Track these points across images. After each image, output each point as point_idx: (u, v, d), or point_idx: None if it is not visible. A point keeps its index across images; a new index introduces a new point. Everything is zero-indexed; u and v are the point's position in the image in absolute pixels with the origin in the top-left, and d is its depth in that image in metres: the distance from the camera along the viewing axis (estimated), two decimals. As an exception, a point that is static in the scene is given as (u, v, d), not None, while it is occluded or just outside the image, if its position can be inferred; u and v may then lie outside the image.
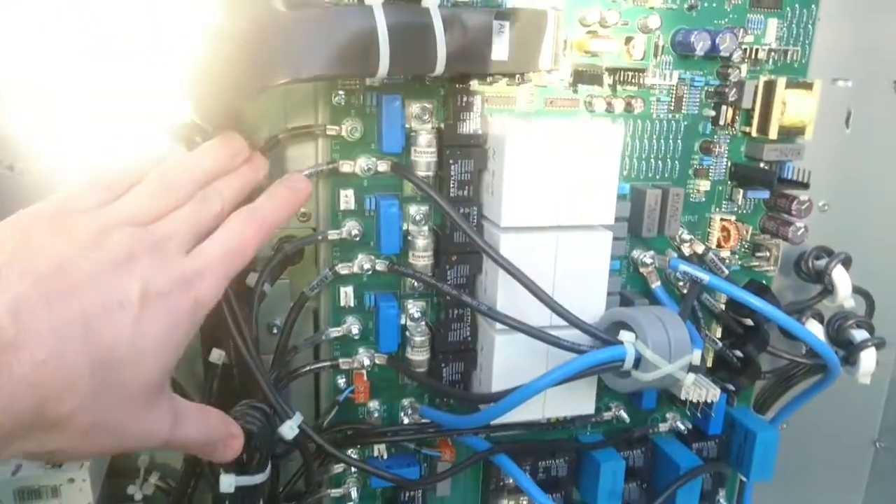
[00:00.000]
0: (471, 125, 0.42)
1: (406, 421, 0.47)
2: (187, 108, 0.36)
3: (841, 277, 0.50)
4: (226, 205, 0.34)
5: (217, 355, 0.42)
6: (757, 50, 0.46)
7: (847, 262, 0.51)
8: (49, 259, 0.27)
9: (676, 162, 0.48)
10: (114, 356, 0.28)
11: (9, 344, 0.25)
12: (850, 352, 0.50)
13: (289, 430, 0.40)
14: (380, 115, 0.41)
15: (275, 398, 0.39)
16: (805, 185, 0.47)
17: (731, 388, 0.51)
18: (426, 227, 0.43)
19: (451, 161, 0.42)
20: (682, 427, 0.53)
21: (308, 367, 0.45)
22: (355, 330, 0.44)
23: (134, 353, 0.28)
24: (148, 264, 0.30)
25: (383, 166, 0.42)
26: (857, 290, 0.52)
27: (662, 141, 0.47)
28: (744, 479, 0.55)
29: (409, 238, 0.43)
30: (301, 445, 0.42)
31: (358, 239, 0.43)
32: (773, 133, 0.46)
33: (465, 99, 0.41)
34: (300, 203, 0.38)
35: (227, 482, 0.37)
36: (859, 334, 0.51)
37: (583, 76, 0.43)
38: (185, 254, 0.32)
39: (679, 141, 0.47)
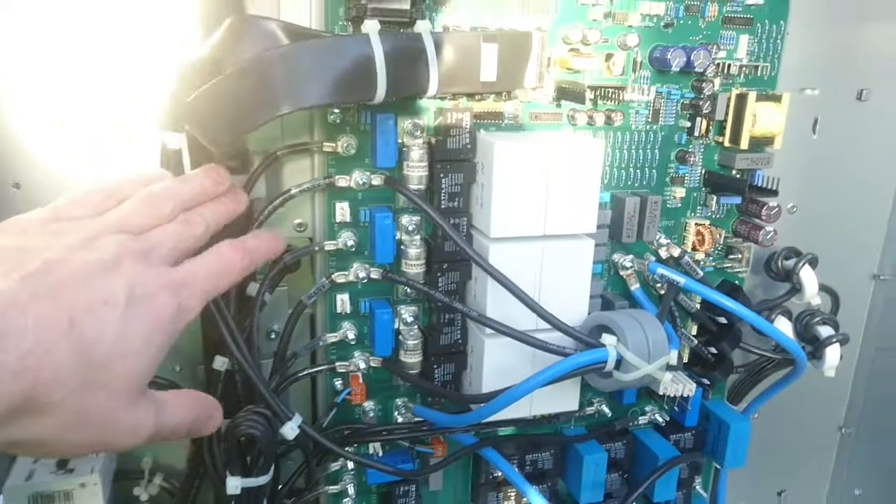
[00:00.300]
0: (460, 140, 0.44)
1: (400, 420, 0.49)
2: (175, 137, 0.38)
3: (808, 277, 0.53)
4: (208, 228, 0.36)
5: (220, 362, 0.44)
6: (729, 65, 0.49)
7: (814, 262, 0.54)
8: (38, 258, 0.29)
9: (654, 171, 0.50)
10: (98, 352, 0.29)
11: None
12: (816, 347, 0.54)
13: (290, 430, 0.42)
14: (374, 133, 0.43)
15: (275, 402, 0.41)
16: (774, 192, 0.50)
17: (706, 382, 0.54)
18: (418, 237, 0.45)
19: (441, 175, 0.44)
20: (660, 420, 0.56)
21: (306, 371, 0.47)
22: (351, 335, 0.47)
23: (118, 349, 0.29)
24: (134, 268, 0.31)
25: (377, 180, 0.44)
26: (824, 289, 0.55)
27: (641, 151, 0.50)
28: (718, 466, 0.59)
29: (402, 247, 0.45)
30: (303, 445, 0.44)
31: (353, 249, 0.45)
32: (744, 143, 0.49)
33: (454, 116, 0.43)
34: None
35: (234, 484, 0.39)
36: (825, 330, 0.54)
37: (565, 93, 0.45)
38: (170, 265, 0.33)
39: (657, 151, 0.50)
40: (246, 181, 0.43)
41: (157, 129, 0.39)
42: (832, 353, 0.53)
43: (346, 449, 0.49)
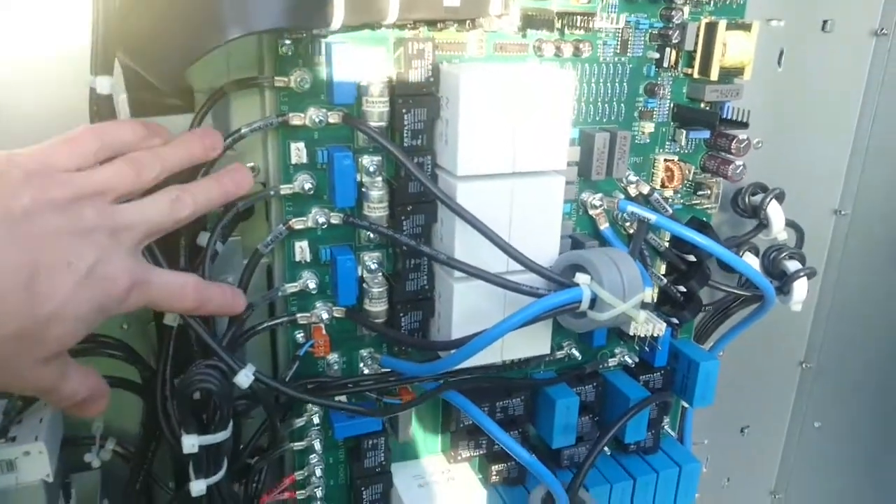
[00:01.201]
0: (422, 73, 0.41)
1: (366, 371, 0.47)
2: (106, 81, 0.36)
3: (775, 212, 0.53)
4: (194, 213, 0.36)
5: (171, 317, 0.41)
6: (699, -9, 0.47)
7: (781, 198, 0.53)
8: (22, 207, 0.29)
9: (622, 105, 0.48)
10: (45, 308, 0.30)
11: None
12: (784, 282, 0.53)
13: (244, 378, 0.39)
14: (329, 65, 0.40)
15: (222, 351, 0.39)
16: (745, 125, 0.49)
17: (675, 321, 0.54)
18: (380, 179, 0.43)
19: (403, 110, 0.41)
20: (629, 361, 0.55)
21: (265, 324, 0.44)
22: (312, 284, 0.44)
23: (63, 312, 0.30)
24: (105, 243, 0.32)
25: (334, 118, 0.41)
26: (790, 224, 0.55)
27: (609, 84, 0.48)
28: (688, 406, 0.59)
29: (364, 190, 0.43)
30: (262, 399, 0.42)
31: (311, 193, 0.42)
32: (714, 74, 0.47)
33: (415, 46, 0.40)
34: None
35: (190, 442, 0.37)
36: (792, 265, 0.53)
37: (532, 20, 0.43)
38: (139, 250, 0.34)
39: (625, 84, 0.48)
40: (191, 121, 0.39)
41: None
42: (800, 288, 0.53)
43: (310, 405, 0.47)
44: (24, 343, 0.30)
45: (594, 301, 0.41)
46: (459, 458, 0.51)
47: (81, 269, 0.31)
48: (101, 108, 0.36)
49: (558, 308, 0.40)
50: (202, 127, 0.39)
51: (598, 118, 0.48)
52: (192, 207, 0.36)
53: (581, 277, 0.41)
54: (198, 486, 0.39)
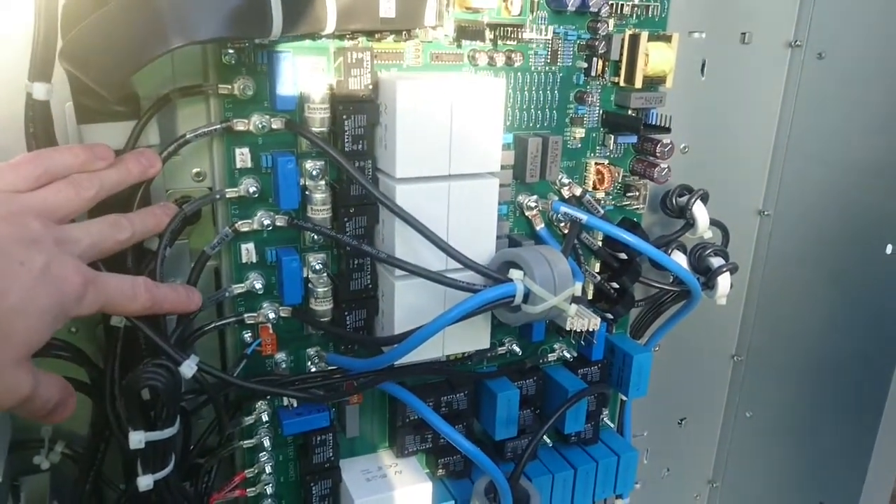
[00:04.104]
0: (361, 81, 0.43)
1: (313, 369, 0.49)
2: (43, 88, 0.37)
3: (700, 212, 0.56)
4: (133, 235, 0.39)
5: (118, 318, 0.42)
6: (622, 5, 0.50)
7: (705, 198, 0.57)
8: None
9: (554, 111, 0.51)
10: (4, 305, 0.30)
11: None
12: (709, 277, 0.57)
13: (187, 368, 0.40)
14: (272, 73, 0.42)
15: (165, 343, 0.40)
16: (667, 130, 0.52)
17: (610, 316, 0.57)
18: (323, 182, 0.44)
19: (344, 117, 0.43)
20: (568, 356, 0.58)
21: (213, 324, 0.45)
22: (258, 285, 0.46)
23: (21, 308, 0.31)
24: (54, 249, 0.33)
25: (277, 124, 0.43)
26: (714, 223, 0.59)
27: (541, 92, 0.50)
28: (624, 397, 0.61)
29: (307, 193, 0.44)
30: (210, 394, 0.43)
31: (256, 196, 0.44)
32: (638, 82, 0.50)
33: (354, 55, 0.42)
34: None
35: (137, 438, 0.38)
36: (716, 261, 0.57)
37: (465, 31, 0.45)
38: (84, 262, 0.35)
39: (556, 92, 0.51)
40: (135, 126, 0.41)
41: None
42: (723, 282, 0.56)
43: (259, 403, 0.49)
44: None
45: (527, 295, 0.43)
46: (406, 452, 0.53)
47: (34, 268, 0.32)
48: (37, 114, 0.38)
49: (493, 302, 0.43)
50: (138, 148, 0.41)
51: (531, 124, 0.51)
52: (130, 230, 0.38)
53: (515, 273, 0.43)
54: (145, 481, 0.40)
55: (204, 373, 0.41)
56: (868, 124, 0.58)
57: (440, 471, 0.55)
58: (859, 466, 0.60)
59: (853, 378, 0.60)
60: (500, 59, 0.47)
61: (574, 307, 0.45)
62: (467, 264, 0.43)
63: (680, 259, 0.57)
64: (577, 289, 0.44)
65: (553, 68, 0.50)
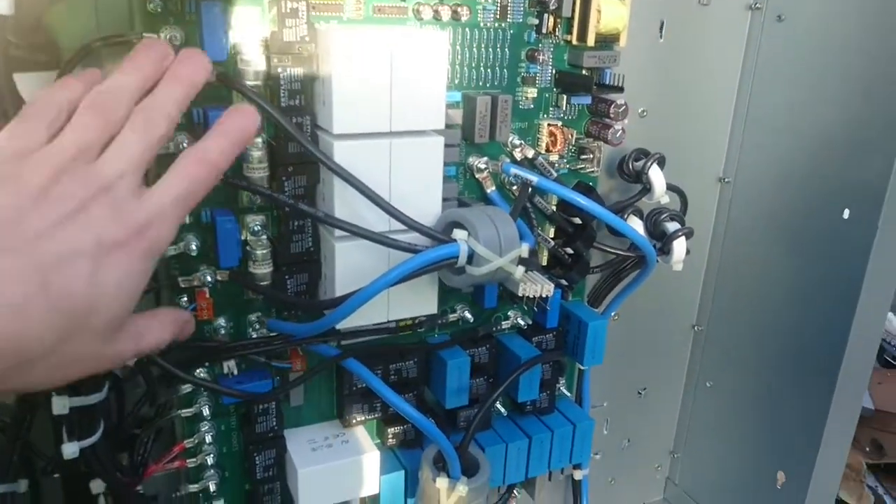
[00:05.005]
0: (297, 32, 0.41)
1: (254, 335, 0.47)
2: None
3: (656, 176, 0.55)
4: (172, 121, 0.34)
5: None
6: (573, -42, 0.48)
7: (661, 162, 0.55)
8: (3, 211, 0.28)
9: (505, 70, 0.50)
10: (73, 303, 0.29)
11: None
12: (664, 242, 0.56)
13: None
14: (201, 23, 0.40)
15: None
16: (620, 89, 0.51)
17: (565, 283, 0.55)
18: (259, 139, 0.42)
19: (279, 70, 0.41)
20: (522, 323, 0.56)
21: (146, 289, 0.43)
22: (193, 247, 0.43)
23: (93, 299, 0.30)
24: (101, 214, 0.30)
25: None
26: (672, 188, 0.57)
27: (490, 49, 0.49)
28: (581, 366, 0.61)
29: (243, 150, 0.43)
30: (141, 367, 0.41)
31: (188, 153, 0.42)
32: (590, 40, 0.49)
33: (289, 5, 0.40)
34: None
35: (61, 404, 0.36)
36: (672, 226, 0.56)
37: (408, -18, 0.44)
38: (136, 197, 0.32)
39: (506, 49, 0.49)
40: (56, 76, 0.38)
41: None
42: (678, 247, 0.55)
43: (198, 370, 0.47)
44: (74, 339, 0.30)
45: (472, 256, 0.42)
46: (354, 421, 0.52)
47: (89, 252, 0.29)
48: None
49: (435, 262, 0.41)
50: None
51: (480, 83, 0.49)
52: (164, 119, 0.33)
53: (458, 233, 0.42)
54: (70, 449, 0.38)
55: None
56: (826, 89, 0.57)
57: (391, 440, 0.54)
58: (815, 435, 0.59)
59: (811, 345, 0.60)
60: (446, 14, 0.46)
61: (521, 269, 0.43)
62: (409, 224, 0.42)
63: (636, 224, 0.56)
64: (524, 250, 0.43)
65: (503, 24, 0.48)
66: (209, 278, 0.44)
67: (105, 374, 0.39)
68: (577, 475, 0.65)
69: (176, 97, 0.35)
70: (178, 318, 0.39)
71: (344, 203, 0.43)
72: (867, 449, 1.07)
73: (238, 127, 0.36)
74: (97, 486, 0.42)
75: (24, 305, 0.27)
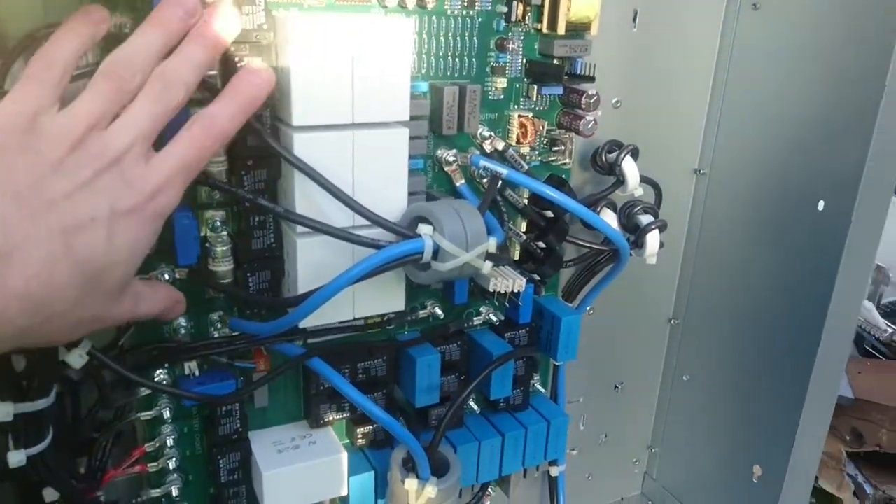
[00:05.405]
0: (254, 20, 0.40)
1: (216, 335, 0.46)
2: None
3: (630, 168, 0.54)
4: (189, 89, 0.34)
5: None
6: (543, -55, 0.47)
7: (635, 154, 0.54)
8: (25, 177, 0.30)
9: (473, 59, 0.48)
10: (92, 266, 0.31)
11: (2, 255, 0.28)
12: (638, 235, 0.55)
13: (77, 358, 0.37)
14: (150, 10, 0.38)
15: None
16: (591, 79, 0.50)
17: (537, 277, 0.54)
18: (217, 132, 0.41)
19: (236, 59, 0.40)
20: (494, 319, 0.55)
21: (101, 288, 0.42)
22: (150, 244, 0.42)
23: (109, 262, 0.32)
24: (113, 183, 0.32)
25: (161, 66, 0.39)
26: (646, 181, 0.56)
27: (458, 38, 0.47)
28: (555, 362, 0.60)
29: (200, 143, 0.41)
30: (93, 373, 0.40)
31: (142, 146, 0.40)
32: (561, 28, 0.48)
33: (245, -9, 0.39)
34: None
35: (4, 411, 0.35)
36: (645, 219, 0.55)
37: (371, -32, 0.42)
38: (146, 162, 0.33)
39: (475, 38, 0.48)
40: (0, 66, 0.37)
41: None
42: (652, 240, 0.54)
43: (158, 372, 0.45)
44: (90, 299, 0.32)
45: (437, 252, 0.41)
46: (322, 422, 0.50)
47: (104, 218, 0.31)
48: None
49: (399, 259, 0.40)
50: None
51: (448, 73, 0.48)
52: (181, 87, 0.34)
53: (423, 228, 0.41)
54: (16, 457, 0.36)
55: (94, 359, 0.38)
56: (801, 79, 0.56)
57: (360, 440, 0.53)
58: (791, 426, 0.59)
59: (787, 338, 0.59)
60: (412, 1, 0.44)
61: (488, 265, 0.42)
62: (372, 219, 0.41)
63: (609, 217, 0.55)
64: (491, 245, 0.42)
65: (470, 12, 0.47)
66: (167, 276, 0.43)
67: (54, 379, 0.37)
68: (553, 471, 0.65)
69: (198, 61, 0.35)
70: (172, 295, 0.40)
71: (305, 198, 0.41)
72: (847, 438, 1.07)
73: (249, 91, 0.36)
74: (50, 494, 0.41)
75: (52, 265, 0.30)
